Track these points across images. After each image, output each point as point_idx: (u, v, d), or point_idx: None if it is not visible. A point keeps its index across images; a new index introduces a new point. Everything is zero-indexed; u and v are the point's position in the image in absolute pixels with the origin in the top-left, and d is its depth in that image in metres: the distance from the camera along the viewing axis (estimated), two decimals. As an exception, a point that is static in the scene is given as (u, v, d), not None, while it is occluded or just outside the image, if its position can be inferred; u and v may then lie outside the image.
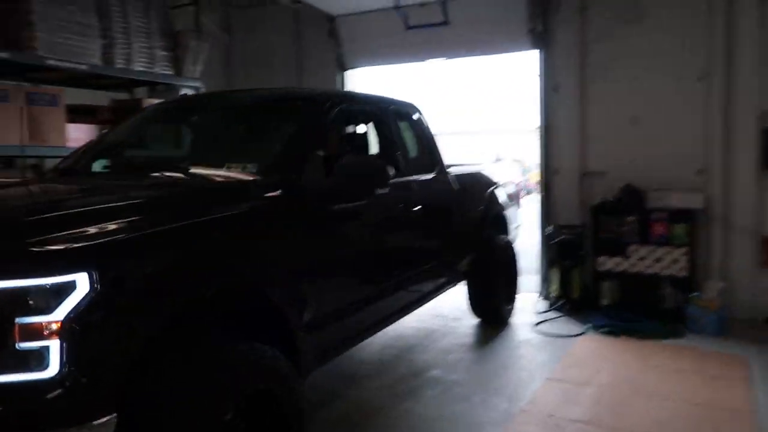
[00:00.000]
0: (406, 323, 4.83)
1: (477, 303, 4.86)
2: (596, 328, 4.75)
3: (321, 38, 6.61)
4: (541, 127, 5.73)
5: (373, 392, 3.59)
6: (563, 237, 5.35)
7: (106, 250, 1.75)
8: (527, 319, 5.08)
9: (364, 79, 6.90)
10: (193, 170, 2.78)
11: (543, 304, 5.48)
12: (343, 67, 6.65)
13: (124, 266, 1.76)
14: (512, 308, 5.08)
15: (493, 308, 4.85)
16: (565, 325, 4.91)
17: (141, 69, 5.58)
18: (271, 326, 2.32)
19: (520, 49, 5.91)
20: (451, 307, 5.23)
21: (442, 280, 4.11)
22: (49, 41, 4.77)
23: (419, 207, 3.59)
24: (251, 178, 2.63)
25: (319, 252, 2.61)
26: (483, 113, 31.23)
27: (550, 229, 5.56)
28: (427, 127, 4.26)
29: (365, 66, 6.69)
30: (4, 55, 4.51)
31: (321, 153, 2.78)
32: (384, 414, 3.31)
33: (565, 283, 5.26)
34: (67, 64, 4.88)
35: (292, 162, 2.69)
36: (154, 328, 1.79)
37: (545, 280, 5.58)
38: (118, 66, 5.35)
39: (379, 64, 6.70)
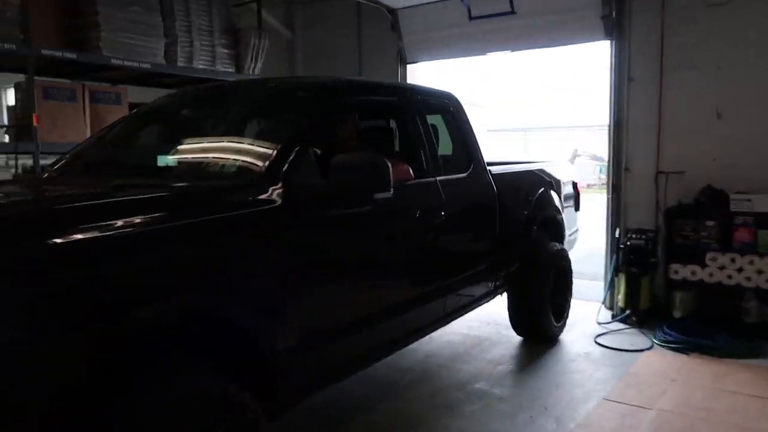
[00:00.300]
0: (455, 329, 4.62)
1: (519, 319, 4.38)
2: (665, 343, 4.34)
3: (383, 32, 6.49)
4: (611, 121, 5.32)
5: (412, 403, 3.43)
6: (632, 241, 4.93)
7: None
8: (588, 330, 4.73)
9: (427, 74, 6.72)
10: (165, 173, 2.54)
11: (606, 314, 5.09)
12: (404, 62, 6.50)
13: (19, 286, 1.45)
14: (562, 326, 4.58)
15: (538, 326, 4.34)
16: (630, 339, 4.53)
17: (202, 67, 5.66)
18: (242, 351, 2.03)
19: (591, 39, 5.51)
20: (506, 314, 4.95)
21: (472, 296, 3.66)
22: (112, 41, 4.92)
23: (444, 211, 3.15)
24: (222, 182, 2.32)
25: (307, 266, 2.25)
26: (560, 108, 30.12)
27: (618, 232, 5.16)
28: (465, 121, 3.81)
29: (426, 60, 6.49)
30: (71, 55, 4.70)
31: (317, 151, 2.47)
32: (419, 428, 3.13)
33: (632, 292, 4.84)
34: (131, 64, 5.02)
35: (276, 162, 2.32)
36: (73, 364, 1.50)
37: (610, 288, 5.18)
38: (180, 65, 5.45)
39: (440, 58, 6.46)
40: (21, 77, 4.69)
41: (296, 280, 2.20)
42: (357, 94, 3.07)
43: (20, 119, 4.67)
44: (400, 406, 3.39)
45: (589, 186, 24.92)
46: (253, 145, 2.67)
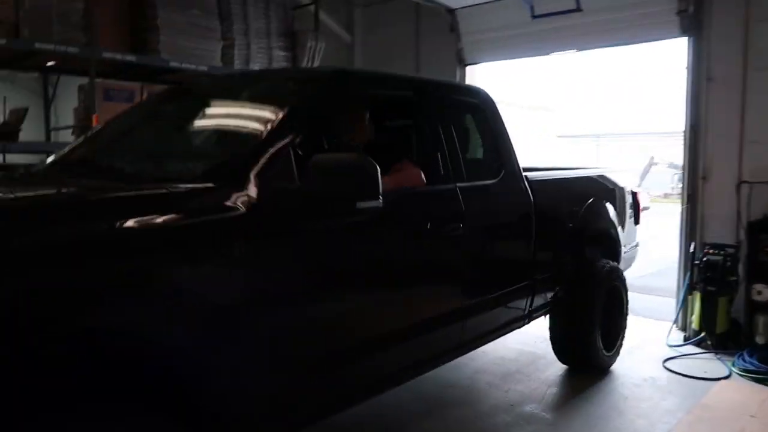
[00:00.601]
0: (509, 345, 4.34)
1: (562, 345, 3.89)
2: (745, 372, 3.89)
3: (441, 33, 6.31)
4: (687, 126, 4.88)
5: (452, 425, 3.19)
6: (709, 257, 4.48)
7: None
8: (656, 353, 4.33)
9: (490, 77, 6.48)
10: (124, 174, 2.26)
11: (678, 336, 4.65)
12: (463, 63, 6.28)
13: None
14: (614, 356, 4.04)
15: (584, 354, 3.82)
16: (704, 365, 4.09)
17: (259, 69, 5.66)
18: (174, 392, 1.68)
19: (665, 37, 5.12)
20: (565, 330, 4.62)
21: (498, 321, 3.18)
22: (171, 44, 4.99)
23: (464, 223, 2.73)
24: (177, 185, 1.93)
25: (271, 288, 1.90)
26: (635, 112, 28.88)
27: (693, 246, 4.71)
28: (497, 121, 3.34)
29: (486, 61, 6.25)
30: (130, 58, 4.80)
31: (298, 152, 2.09)
32: (460, 453, 2.92)
33: (707, 313, 4.39)
34: (188, 66, 5.07)
35: (244, 163, 1.98)
36: None
37: (683, 308, 4.73)
38: (237, 67, 5.47)
39: (500, 59, 6.21)
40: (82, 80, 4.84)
41: (254, 304, 1.84)
42: (360, 86, 2.69)
43: (83, 120, 4.80)
44: (440, 426, 3.17)
45: (666, 195, 23.70)
46: (225, 143, 2.34)
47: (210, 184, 1.91)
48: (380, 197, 2.08)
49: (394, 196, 2.32)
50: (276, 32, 5.89)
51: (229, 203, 1.84)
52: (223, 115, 2.67)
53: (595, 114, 30.63)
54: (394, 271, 2.47)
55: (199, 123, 2.68)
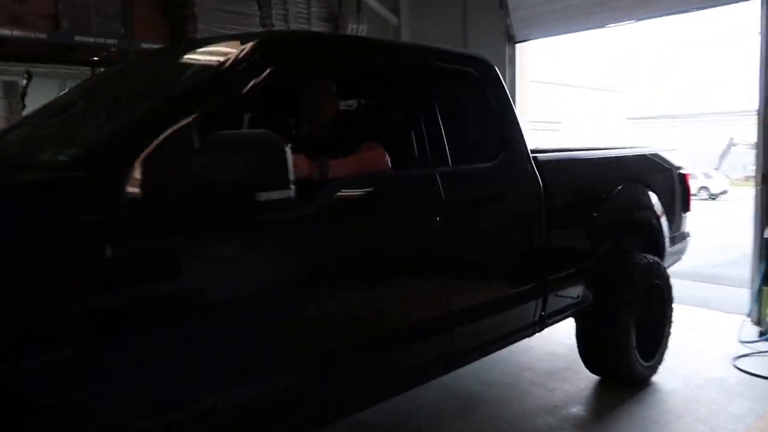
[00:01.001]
0: (559, 339, 4.03)
1: (590, 352, 3.36)
2: (830, 373, 3.44)
3: (490, 10, 6.04)
4: (761, 98, 4.40)
5: (487, 427, 2.95)
6: (788, 244, 4.01)
7: None
8: (725, 350, 3.90)
9: (546, 57, 6.11)
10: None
11: (752, 331, 4.18)
12: (512, 40, 5.96)
13: None
14: (655, 366, 3.46)
15: (615, 364, 3.28)
16: (781, 364, 3.66)
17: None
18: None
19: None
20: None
21: (492, 334, 2.68)
22: (209, 32, 4.96)
23: (441, 216, 2.30)
24: (38, 174, 1.63)
25: (153, 305, 1.54)
26: (712, 91, 27.18)
27: (767, 232, 4.24)
28: (497, 94, 2.81)
29: (537, 37, 5.92)
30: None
31: (198, 134, 1.69)
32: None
33: (786, 307, 3.94)
34: (226, 55, 5.02)
35: (117, 148, 1.64)
36: None
37: (757, 299, 4.26)
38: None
39: (552, 34, 5.86)
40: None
41: (131, 326, 1.50)
42: (303, 54, 2.16)
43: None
44: (475, 429, 2.94)
45: (747, 178, 22.10)
46: (116, 125, 1.94)
47: (79, 173, 1.56)
48: (291, 186, 1.68)
49: (340, 183, 2.03)
50: (317, 17, 5.79)
51: (99, 197, 1.51)
52: (130, 94, 2.31)
53: (668, 94, 28.92)
54: (338, 276, 2.02)
55: (106, 103, 2.33)
